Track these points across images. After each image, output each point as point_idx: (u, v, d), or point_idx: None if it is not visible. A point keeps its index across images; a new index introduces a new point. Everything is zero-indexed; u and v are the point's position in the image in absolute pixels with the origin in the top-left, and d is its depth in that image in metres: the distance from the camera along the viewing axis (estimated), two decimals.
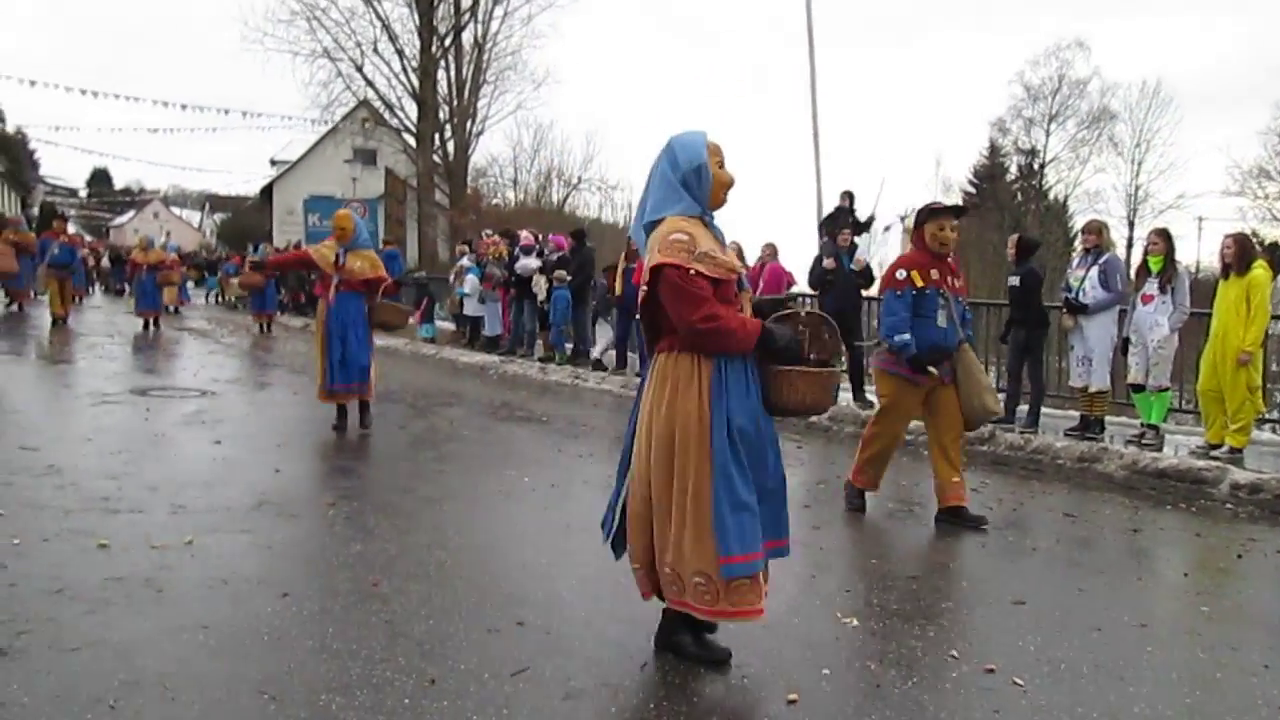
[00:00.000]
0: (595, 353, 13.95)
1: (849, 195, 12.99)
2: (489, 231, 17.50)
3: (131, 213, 78.03)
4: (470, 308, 16.69)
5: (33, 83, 37.73)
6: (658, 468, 3.56)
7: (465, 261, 17.04)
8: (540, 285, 14.31)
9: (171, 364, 13.52)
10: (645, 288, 3.59)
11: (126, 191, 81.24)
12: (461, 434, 8.75)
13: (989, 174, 43.88)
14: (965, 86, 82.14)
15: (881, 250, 22.99)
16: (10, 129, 51.50)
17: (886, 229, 15.45)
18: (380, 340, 17.97)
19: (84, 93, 32.51)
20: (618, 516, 3.85)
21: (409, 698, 3.25)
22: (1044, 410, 9.49)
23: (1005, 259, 9.91)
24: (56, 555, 4.55)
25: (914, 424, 9.02)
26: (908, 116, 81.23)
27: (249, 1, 73.09)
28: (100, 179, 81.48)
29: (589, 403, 11.45)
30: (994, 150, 44.63)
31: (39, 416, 8.59)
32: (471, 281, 16.41)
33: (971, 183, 44.23)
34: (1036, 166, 43.41)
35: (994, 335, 10.93)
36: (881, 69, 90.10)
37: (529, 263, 14.81)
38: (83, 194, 77.99)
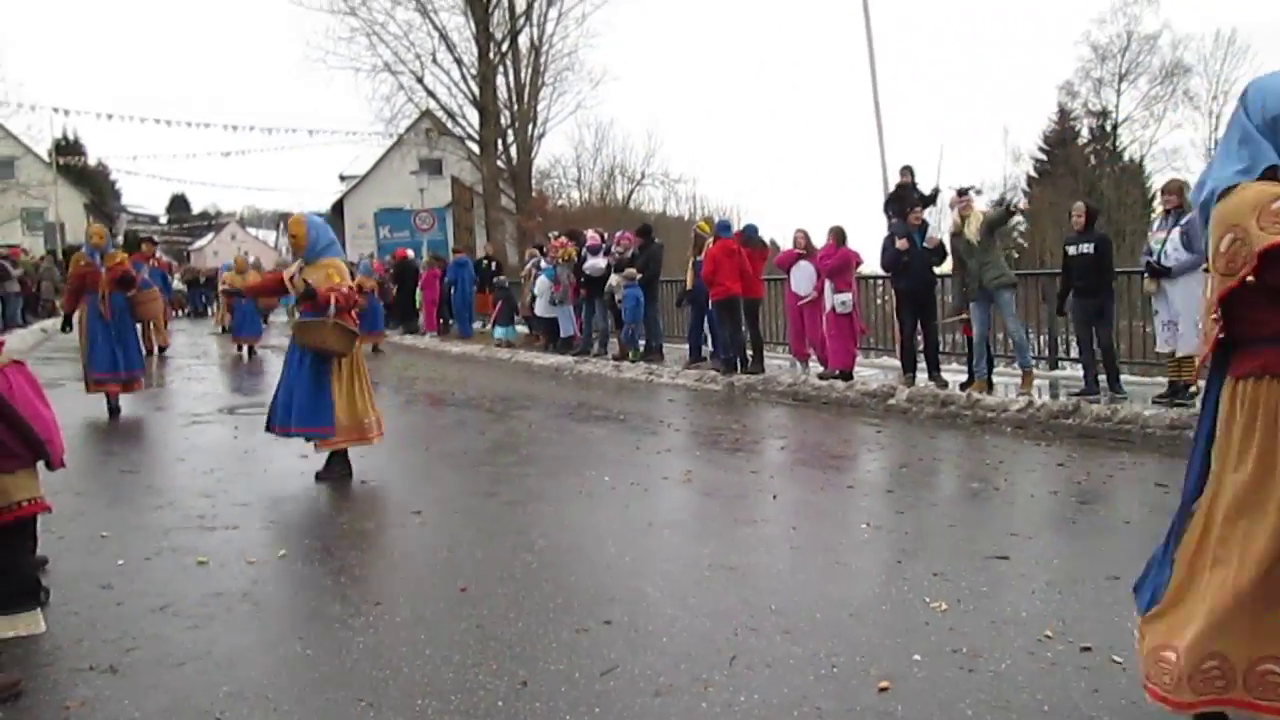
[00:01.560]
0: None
1: (909, 170, 12.78)
2: (557, 233, 17.59)
3: (210, 235, 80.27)
4: (542, 309, 16.81)
5: (110, 116, 39.06)
6: None
7: (539, 263, 17.16)
8: (617, 285, 14.34)
9: (257, 382, 13.87)
10: (1250, 278, 2.51)
11: (204, 215, 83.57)
12: (540, 436, 8.82)
13: (1059, 139, 42.70)
14: (1029, 52, 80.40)
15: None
16: (92, 162, 53.27)
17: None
18: (457, 347, 18.42)
19: (158, 122, 33.66)
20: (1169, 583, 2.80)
21: (502, 700, 3.30)
22: (1129, 378, 9.27)
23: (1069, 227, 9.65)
24: (159, 573, 4.71)
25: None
26: (972, 87, 79.82)
27: (310, 21, 74.41)
28: (179, 205, 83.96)
29: (664, 398, 11.46)
30: (1063, 115, 43.42)
31: (136, 440, 8.89)
32: (543, 283, 16.53)
33: (1041, 149, 43.13)
34: (1109, 128, 42.09)
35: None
36: (941, 41, 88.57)
37: (597, 262, 14.88)
38: (163, 220, 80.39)
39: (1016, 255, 30.61)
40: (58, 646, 3.76)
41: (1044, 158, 42.56)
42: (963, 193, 9.87)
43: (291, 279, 6.77)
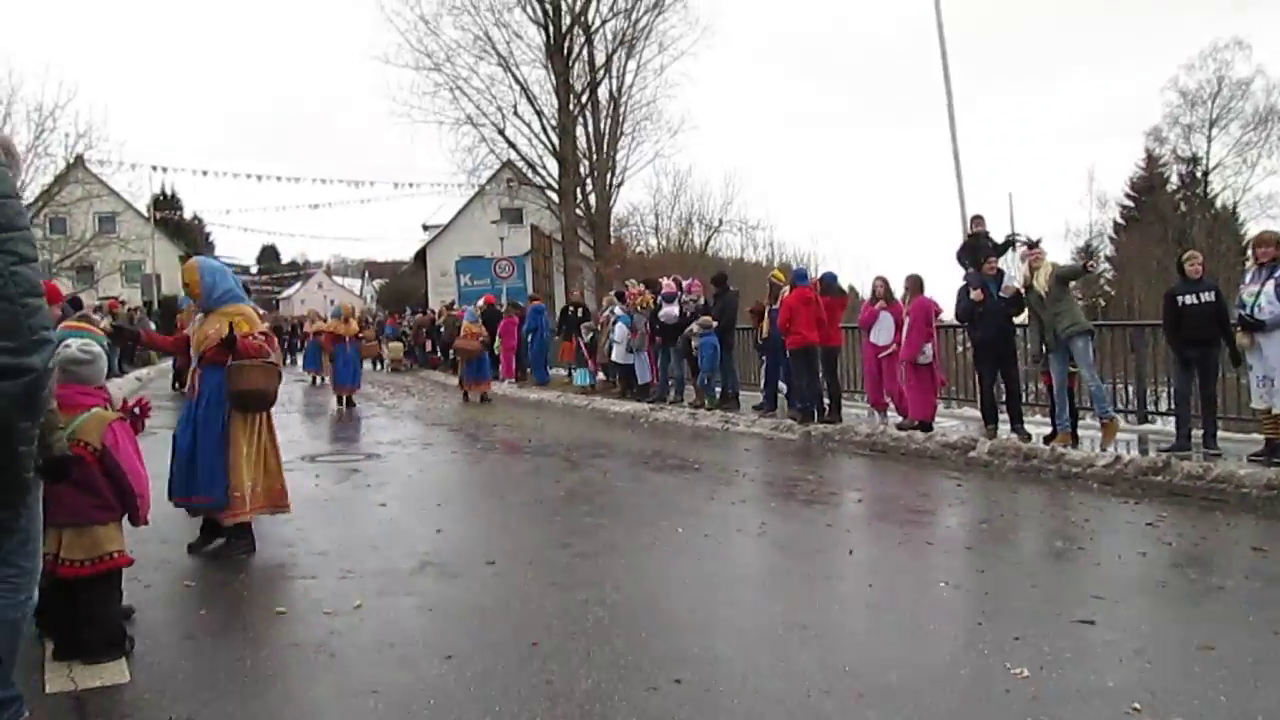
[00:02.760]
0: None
1: (981, 220, 12.62)
2: (635, 281, 17.72)
3: (298, 284, 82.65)
4: (619, 356, 16.90)
5: (205, 172, 40.65)
6: None
7: (615, 310, 17.28)
8: (695, 333, 14.36)
9: (338, 429, 14.17)
10: None
11: (293, 265, 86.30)
12: (614, 485, 8.83)
13: (1147, 186, 41.83)
14: (1116, 97, 79.15)
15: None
16: (188, 215, 55.38)
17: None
18: (534, 394, 18.57)
19: (249, 177, 34.73)
20: None
21: None
22: (1224, 434, 8.93)
23: (1170, 274, 9.42)
24: (240, 624, 4.80)
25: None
26: (1056, 133, 78.71)
27: (396, 78, 76.66)
28: (269, 255, 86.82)
29: (740, 447, 11.39)
30: (1151, 160, 42.57)
31: None
32: (620, 330, 16.63)
33: (1129, 195, 42.29)
34: (1199, 174, 41.11)
35: (1164, 357, 10.35)
36: (1024, 85, 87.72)
37: (671, 310, 14.94)
38: (254, 270, 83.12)
39: (1103, 304, 29.89)
40: (140, 697, 3.84)
41: (1131, 204, 41.70)
42: (1033, 245, 9.74)
43: (232, 330, 6.01)
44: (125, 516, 4.29)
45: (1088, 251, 38.09)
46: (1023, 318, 10.44)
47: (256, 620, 4.86)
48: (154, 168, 35.68)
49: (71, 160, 31.97)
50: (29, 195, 30.62)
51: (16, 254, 1.59)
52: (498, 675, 4.08)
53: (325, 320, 22.78)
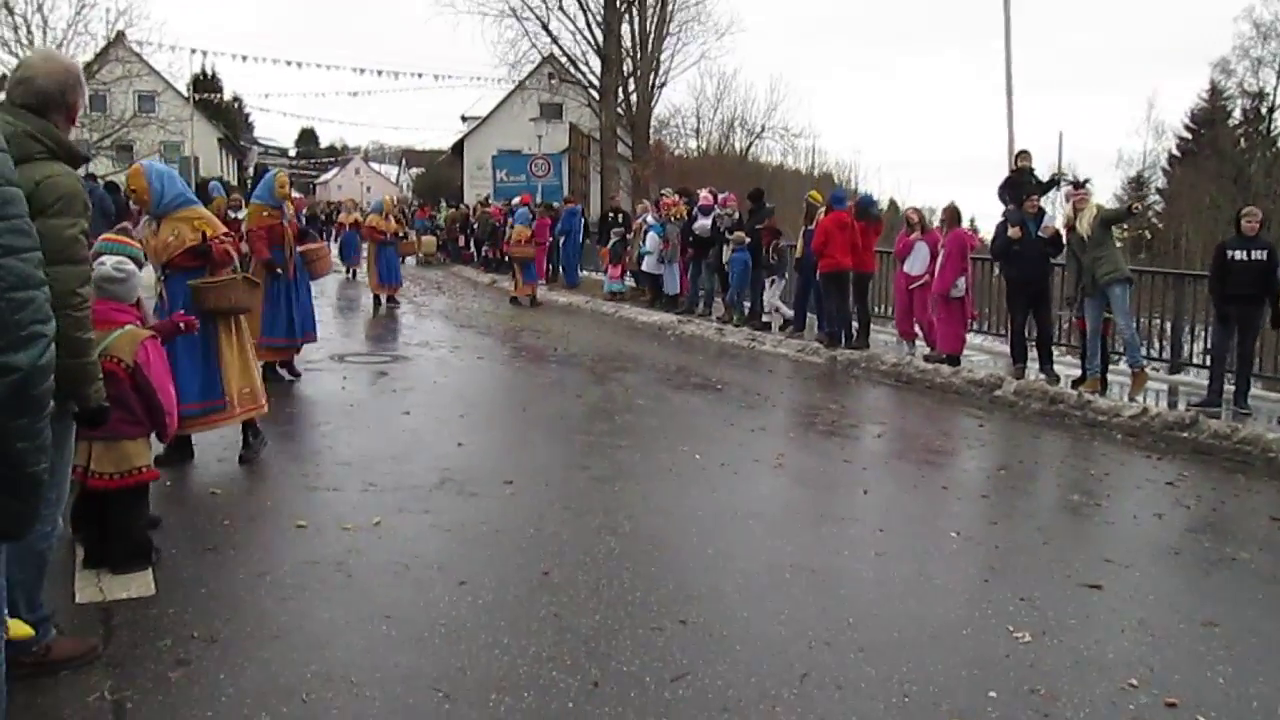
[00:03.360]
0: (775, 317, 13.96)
1: (1026, 155, 12.30)
2: (669, 190, 17.51)
3: (335, 170, 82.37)
4: (650, 266, 16.81)
5: (244, 57, 40.29)
6: None
7: (648, 219, 17.13)
8: (726, 251, 14.27)
9: (368, 328, 14.28)
10: None
11: (331, 150, 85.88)
12: (636, 403, 8.87)
13: (1208, 118, 40.38)
14: (1184, 23, 76.13)
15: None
16: (227, 97, 55.02)
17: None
18: (564, 297, 18.55)
19: (289, 63, 34.36)
20: None
21: (572, 701, 3.38)
22: (1257, 393, 8.83)
23: (1223, 213, 9.19)
24: (261, 537, 4.94)
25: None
26: (1118, 56, 76.01)
27: None
28: (307, 138, 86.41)
29: (765, 368, 11.39)
30: (1215, 93, 41.02)
31: None
32: (652, 239, 16.52)
33: (1188, 127, 40.94)
34: (1264, 111, 39.64)
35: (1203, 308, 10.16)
36: (1088, 8, 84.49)
37: (705, 223, 14.79)
38: (292, 153, 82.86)
39: (1149, 237, 29.17)
40: (165, 611, 3.98)
41: (1189, 137, 40.41)
42: (1079, 185, 9.51)
43: (207, 238, 5.78)
44: (153, 432, 4.38)
45: (1137, 191, 37.12)
46: (1060, 258, 10.27)
47: (277, 534, 5.00)
48: (193, 51, 35.30)
49: (111, 37, 31.69)
50: None
51: (2, 246, 1.56)
52: (508, 605, 4.19)
53: (361, 210, 22.50)
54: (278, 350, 9.06)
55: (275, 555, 4.67)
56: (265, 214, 8.94)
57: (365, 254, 19.29)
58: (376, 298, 16.64)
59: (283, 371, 9.21)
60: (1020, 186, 11.19)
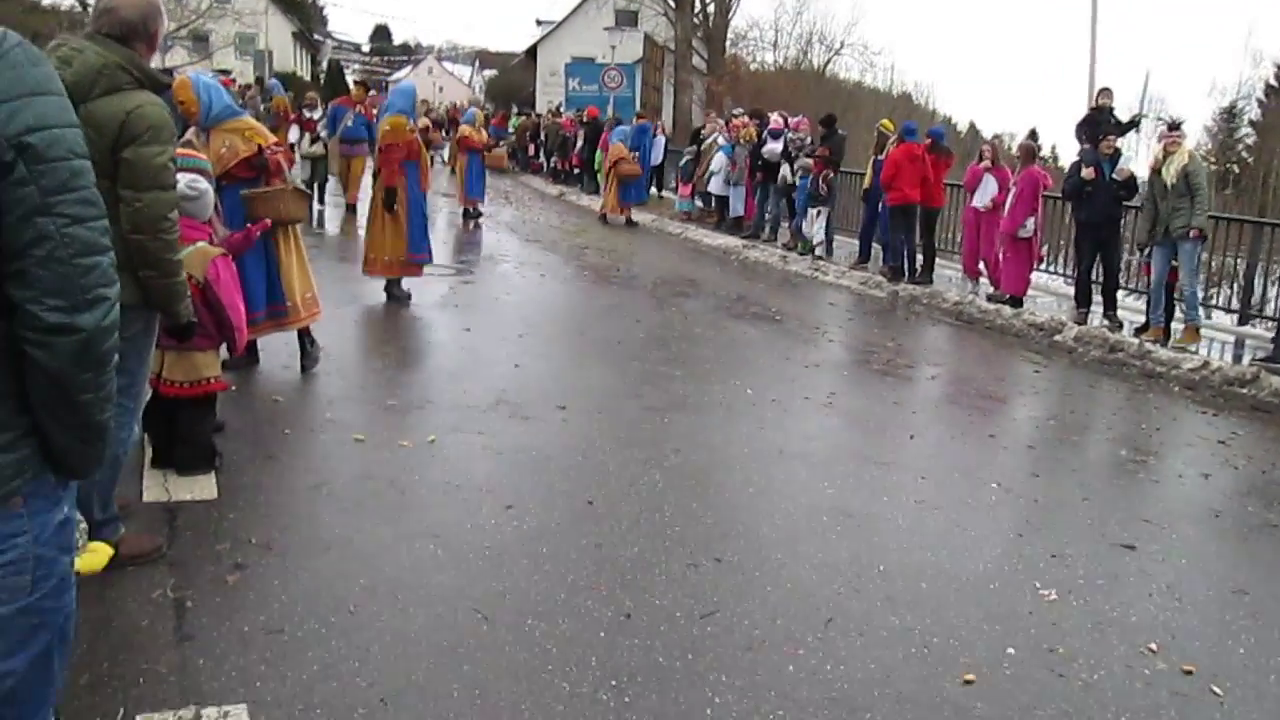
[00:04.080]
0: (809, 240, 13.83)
1: (1108, 93, 11.88)
2: (740, 110, 17.26)
3: (408, 68, 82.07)
4: (716, 187, 16.69)
5: None
6: None
7: (718, 138, 16.93)
8: (791, 172, 14.12)
9: (448, 239, 14.39)
10: None
11: (404, 48, 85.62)
12: (694, 331, 8.94)
13: None
14: None
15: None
16: None
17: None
18: (636, 214, 18.47)
19: None
20: None
21: (604, 631, 3.54)
22: None
23: None
24: (320, 448, 5.16)
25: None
26: None
27: None
28: (381, 34, 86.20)
29: (825, 300, 11.37)
30: None
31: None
32: (720, 160, 16.37)
33: None
34: None
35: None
36: None
37: (775, 147, 14.61)
38: (365, 49, 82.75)
39: (1237, 170, 28.09)
40: (225, 516, 4.21)
41: None
42: (1173, 127, 9.16)
43: (264, 150, 5.88)
44: (224, 344, 4.58)
45: (1229, 123, 35.61)
46: (1136, 201, 10.01)
47: (336, 446, 5.20)
48: None
49: None
50: None
51: (69, 215, 1.68)
52: (551, 532, 4.35)
53: (432, 113, 22.54)
54: (415, 265, 9.02)
55: (332, 467, 4.88)
56: (409, 129, 8.77)
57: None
58: (466, 210, 16.34)
59: (399, 291, 9.12)
60: (1098, 125, 10.86)
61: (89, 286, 1.72)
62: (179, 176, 4.41)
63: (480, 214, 16.55)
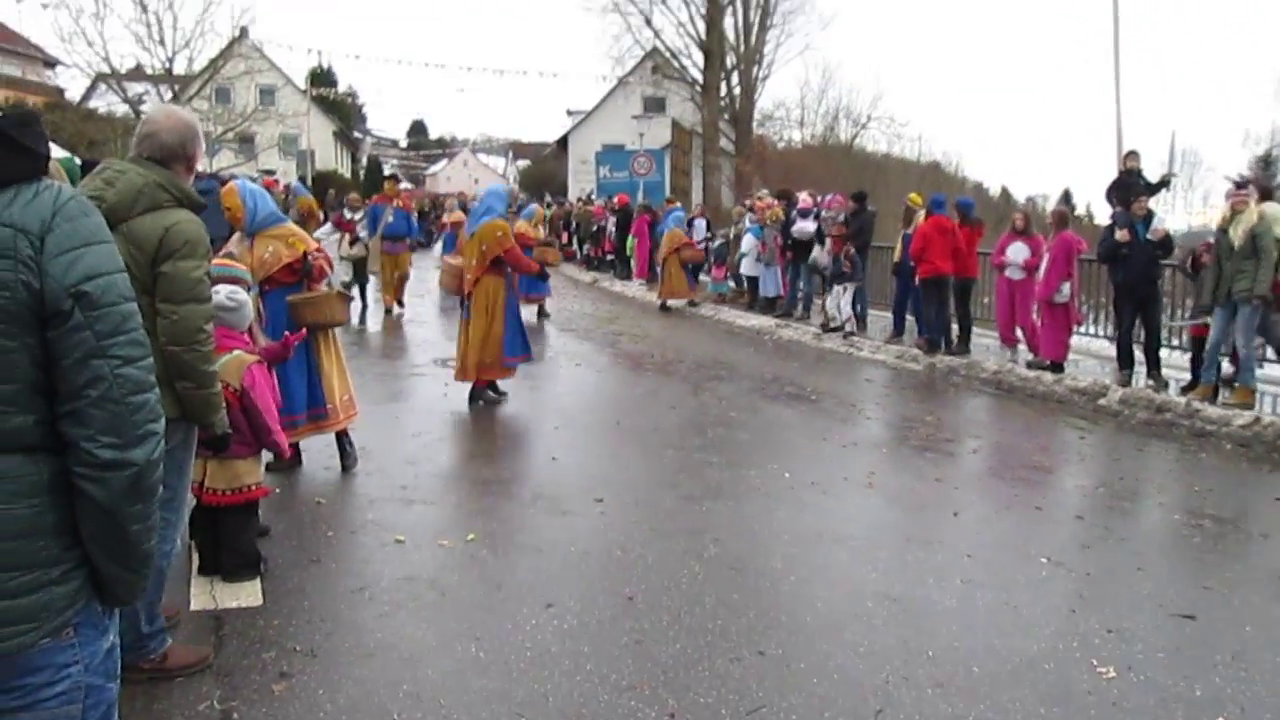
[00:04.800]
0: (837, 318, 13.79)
1: (1135, 155, 11.90)
2: (765, 192, 17.47)
3: (444, 161, 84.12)
4: (748, 268, 16.81)
5: (357, 56, 41.73)
6: None
7: (746, 220, 17.13)
8: (820, 257, 14.18)
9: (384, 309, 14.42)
10: None
11: (440, 141, 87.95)
12: (729, 415, 8.93)
13: None
14: None
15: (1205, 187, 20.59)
16: (342, 88, 56.76)
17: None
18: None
19: (400, 62, 35.38)
20: None
21: None
22: None
23: None
24: (361, 550, 5.19)
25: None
26: (1243, 29, 72.50)
27: None
28: (418, 130, 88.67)
29: (862, 377, 11.33)
30: None
31: (357, 391, 9.63)
32: (749, 241, 16.52)
33: None
34: None
35: None
36: None
37: (805, 226, 14.72)
38: (403, 145, 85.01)
39: None
40: (270, 623, 4.24)
41: None
42: (1241, 186, 8.94)
43: (307, 256, 6.06)
44: (263, 450, 4.65)
45: (1265, 170, 35.35)
46: (1174, 259, 9.90)
47: (377, 547, 5.23)
48: (309, 50, 36.62)
49: (235, 34, 33.11)
50: (197, 65, 32.06)
51: (121, 357, 1.79)
52: (591, 629, 4.33)
53: (459, 205, 22.52)
54: (510, 369, 8.99)
55: (374, 569, 4.90)
56: (500, 233, 8.66)
57: None
58: (538, 310, 15.60)
59: (494, 393, 9.06)
60: (1128, 188, 10.87)
61: (140, 423, 1.81)
62: (219, 287, 4.56)
63: (547, 313, 16.10)
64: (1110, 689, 3.88)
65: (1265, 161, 37.93)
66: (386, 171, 49.39)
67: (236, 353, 4.53)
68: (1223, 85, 66.36)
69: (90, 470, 1.79)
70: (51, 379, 1.78)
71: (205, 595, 4.52)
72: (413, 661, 3.96)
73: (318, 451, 6.78)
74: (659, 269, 18.32)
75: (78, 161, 7.27)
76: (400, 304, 15.78)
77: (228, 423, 3.72)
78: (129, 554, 1.89)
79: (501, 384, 9.06)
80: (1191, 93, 73.65)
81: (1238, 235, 8.65)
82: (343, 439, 6.61)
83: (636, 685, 3.83)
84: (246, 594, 4.52)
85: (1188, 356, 9.99)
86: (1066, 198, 11.80)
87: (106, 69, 31.69)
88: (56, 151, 10.95)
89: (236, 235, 6.20)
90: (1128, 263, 9.87)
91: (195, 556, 4.77)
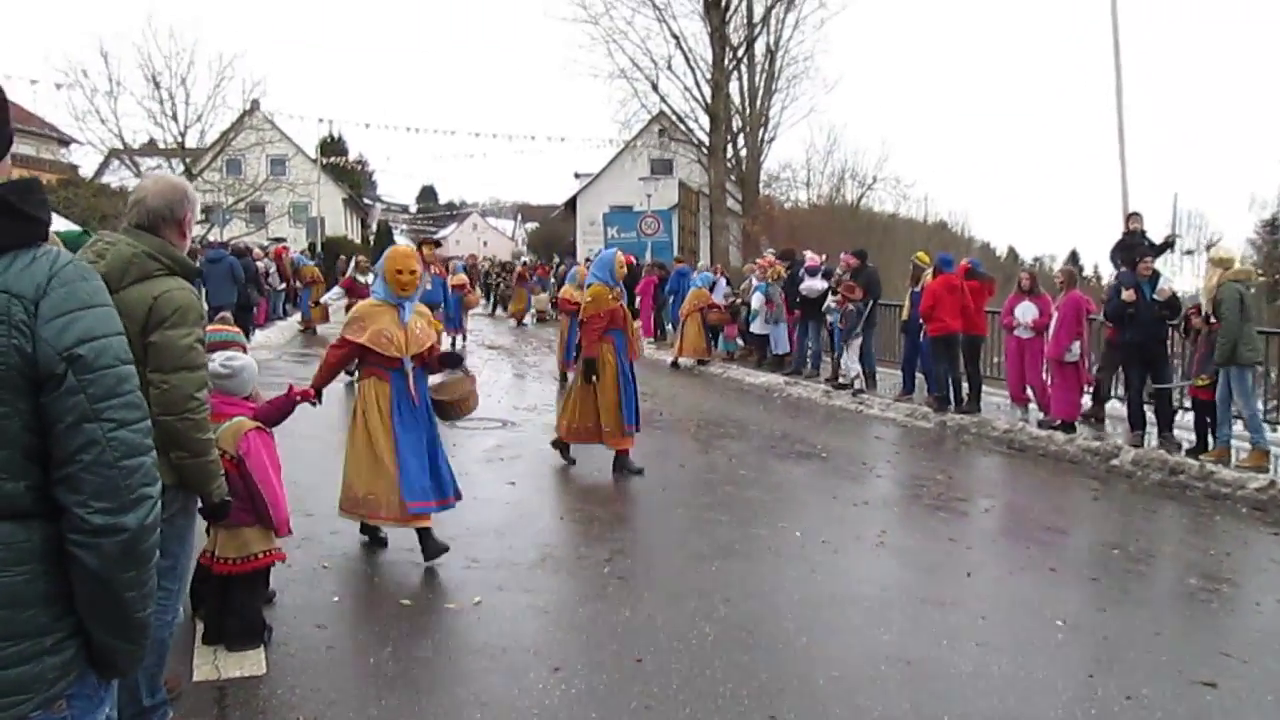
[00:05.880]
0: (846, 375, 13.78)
1: (1138, 217, 11.94)
2: (770, 251, 17.56)
3: (454, 225, 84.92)
4: (757, 326, 16.84)
5: (367, 125, 42.39)
6: None
7: (753, 279, 17.19)
8: (834, 307, 14.22)
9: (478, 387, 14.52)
10: None
11: (450, 206, 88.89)
12: (739, 474, 8.86)
13: None
14: None
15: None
16: (352, 156, 57.56)
17: (1187, 252, 13.90)
18: (671, 356, 18.61)
19: (409, 130, 35.88)
20: None
21: None
22: None
23: None
24: (366, 615, 5.12)
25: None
26: (1242, 95, 73.23)
27: (555, 31, 77.33)
28: (427, 195, 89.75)
29: (872, 434, 11.27)
30: None
31: None
32: (757, 299, 16.56)
33: None
34: None
35: None
36: (1203, 62, 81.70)
37: (814, 284, 14.76)
38: (413, 210, 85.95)
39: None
40: (273, 693, 4.16)
41: None
42: (1209, 247, 9.08)
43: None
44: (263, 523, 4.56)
45: (1272, 235, 35.53)
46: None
47: (384, 612, 5.16)
48: (320, 120, 37.24)
49: (247, 107, 33.62)
50: (209, 139, 32.51)
51: (115, 420, 1.76)
52: (600, 694, 4.25)
53: (461, 267, 21.96)
54: (630, 438, 8.67)
55: (380, 636, 4.81)
56: (610, 296, 8.46)
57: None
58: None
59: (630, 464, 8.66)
60: (1132, 249, 10.88)
61: (134, 487, 1.78)
62: (214, 355, 4.54)
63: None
64: None
65: (1272, 226, 38.04)
66: (399, 237, 49.66)
67: (236, 419, 4.48)
68: (1228, 149, 66.96)
69: (82, 536, 1.75)
70: (45, 444, 1.75)
71: (209, 665, 4.44)
72: None
73: (324, 516, 6.73)
74: (676, 326, 18.36)
75: (92, 236, 7.34)
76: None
77: (226, 490, 3.67)
78: (124, 623, 1.84)
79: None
80: (1197, 157, 74.21)
81: (1206, 304, 8.82)
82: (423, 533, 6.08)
83: None
84: (250, 663, 4.44)
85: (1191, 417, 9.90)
86: (1074, 258, 11.88)
87: (119, 145, 32.23)
88: (64, 224, 10.96)
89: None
90: (1135, 322, 9.85)
91: (198, 625, 4.71)
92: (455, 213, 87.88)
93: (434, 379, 6.23)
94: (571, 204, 49.83)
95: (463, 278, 19.09)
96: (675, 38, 32.57)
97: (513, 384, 15.18)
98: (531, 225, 77.32)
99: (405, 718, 3.99)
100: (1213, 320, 9.09)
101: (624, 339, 8.53)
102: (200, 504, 3.68)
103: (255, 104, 35.18)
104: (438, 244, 16.43)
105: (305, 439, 8.33)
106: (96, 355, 1.76)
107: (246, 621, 4.57)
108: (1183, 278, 11.99)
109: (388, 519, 5.91)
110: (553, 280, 29.20)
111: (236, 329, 5.13)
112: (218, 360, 4.48)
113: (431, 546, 5.90)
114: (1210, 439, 9.11)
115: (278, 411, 4.86)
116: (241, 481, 4.33)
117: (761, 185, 36.93)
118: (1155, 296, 9.68)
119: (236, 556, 4.48)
